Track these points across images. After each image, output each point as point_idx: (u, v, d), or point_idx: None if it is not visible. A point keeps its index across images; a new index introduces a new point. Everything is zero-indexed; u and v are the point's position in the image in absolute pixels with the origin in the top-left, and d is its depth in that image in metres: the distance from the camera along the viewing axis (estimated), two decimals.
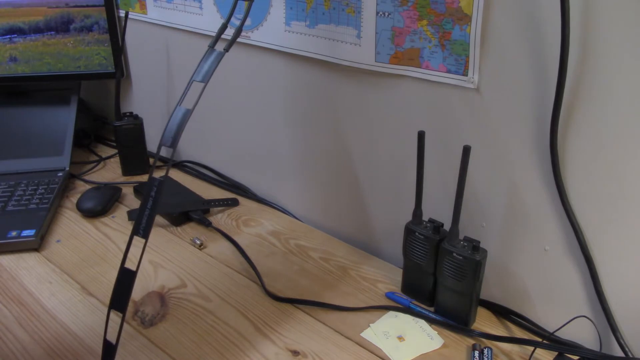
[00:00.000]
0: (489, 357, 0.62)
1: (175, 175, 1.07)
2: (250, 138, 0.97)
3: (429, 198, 0.73)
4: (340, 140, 0.82)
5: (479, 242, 0.64)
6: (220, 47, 0.57)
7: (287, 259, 0.82)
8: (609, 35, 0.53)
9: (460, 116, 0.67)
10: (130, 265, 0.53)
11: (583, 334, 0.64)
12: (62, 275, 0.77)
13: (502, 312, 0.70)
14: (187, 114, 0.54)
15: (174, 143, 0.53)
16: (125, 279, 0.54)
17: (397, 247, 0.81)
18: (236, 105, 0.96)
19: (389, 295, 0.74)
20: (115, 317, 0.66)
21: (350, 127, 0.80)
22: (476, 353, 0.63)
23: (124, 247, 0.84)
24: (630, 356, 0.60)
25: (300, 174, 0.91)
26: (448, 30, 0.63)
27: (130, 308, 0.70)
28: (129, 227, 0.90)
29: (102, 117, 1.27)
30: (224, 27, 0.61)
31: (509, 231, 0.68)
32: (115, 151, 1.16)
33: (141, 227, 0.53)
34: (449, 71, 0.66)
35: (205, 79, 0.56)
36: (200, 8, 0.92)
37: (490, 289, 0.72)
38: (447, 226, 0.67)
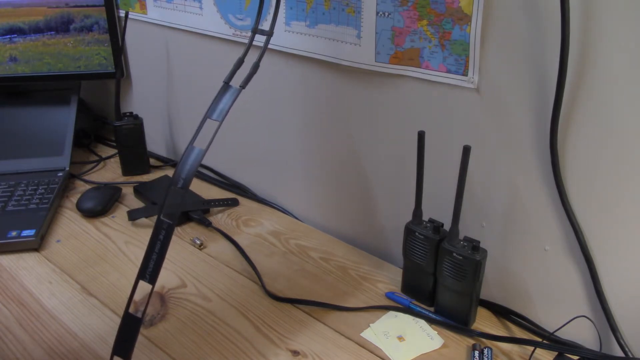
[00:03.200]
0: (489, 357, 0.62)
1: None
2: (249, 138, 0.97)
3: (429, 198, 0.73)
4: (340, 140, 0.82)
5: (479, 242, 0.64)
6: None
7: (287, 259, 0.82)
8: (609, 35, 0.53)
9: (460, 116, 0.67)
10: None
11: (583, 334, 0.64)
12: (62, 275, 0.77)
13: (502, 312, 0.70)
14: (201, 154, 0.51)
15: (185, 185, 0.50)
16: (130, 325, 0.51)
17: (397, 247, 0.81)
18: (235, 106, 0.96)
19: (389, 295, 0.74)
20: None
21: (350, 127, 0.80)
22: (476, 353, 0.63)
23: (124, 248, 0.84)
24: (630, 356, 0.60)
25: (300, 173, 0.91)
26: (448, 30, 0.63)
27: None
28: (129, 227, 0.90)
29: (102, 117, 1.27)
30: (240, 62, 0.58)
31: (509, 231, 0.68)
32: (115, 151, 1.16)
33: (148, 271, 0.50)
34: (449, 71, 0.66)
35: (221, 117, 0.52)
36: (200, 8, 0.92)
37: (490, 289, 0.72)
38: (447, 226, 0.67)
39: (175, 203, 0.50)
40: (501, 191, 0.67)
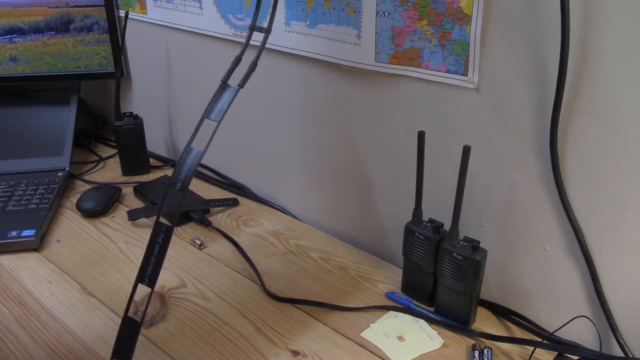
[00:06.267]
0: (489, 357, 0.62)
1: None
2: (250, 138, 0.97)
3: (429, 198, 0.73)
4: (340, 140, 0.82)
5: (479, 242, 0.64)
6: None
7: (287, 259, 0.82)
8: (609, 35, 0.53)
9: (460, 116, 0.67)
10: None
11: (583, 334, 0.64)
12: (62, 275, 0.77)
13: (502, 312, 0.70)
14: (199, 155, 0.50)
15: (183, 187, 0.49)
16: (129, 329, 0.51)
17: (397, 247, 0.81)
18: (235, 106, 0.96)
19: (389, 295, 0.74)
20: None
21: (349, 127, 0.80)
22: (476, 353, 0.63)
23: (124, 247, 0.84)
24: (630, 356, 0.60)
25: (300, 174, 0.91)
26: (448, 30, 0.63)
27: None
28: (129, 227, 0.90)
29: (102, 117, 1.27)
30: (237, 61, 0.57)
31: (509, 231, 0.68)
32: (115, 151, 1.16)
33: (147, 274, 0.50)
34: (449, 71, 0.66)
35: (219, 117, 0.51)
36: (200, 8, 0.92)
37: (490, 289, 0.72)
38: (447, 226, 0.67)
39: (174, 205, 0.50)
40: (501, 191, 0.67)
